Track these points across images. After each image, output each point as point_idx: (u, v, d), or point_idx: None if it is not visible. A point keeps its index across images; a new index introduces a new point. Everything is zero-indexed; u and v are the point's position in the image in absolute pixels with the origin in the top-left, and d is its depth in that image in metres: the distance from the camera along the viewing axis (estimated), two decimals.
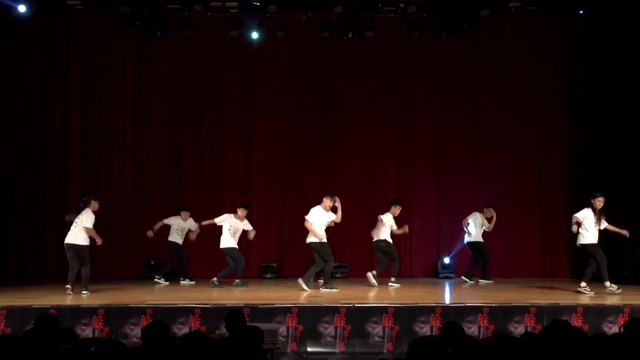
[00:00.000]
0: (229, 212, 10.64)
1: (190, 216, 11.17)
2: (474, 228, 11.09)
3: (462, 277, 11.15)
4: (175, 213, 11.14)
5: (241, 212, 10.55)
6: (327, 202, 9.70)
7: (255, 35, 11.81)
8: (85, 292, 9.03)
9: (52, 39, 12.08)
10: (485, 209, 11.24)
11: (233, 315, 5.04)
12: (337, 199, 9.71)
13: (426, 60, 12.47)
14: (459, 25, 11.69)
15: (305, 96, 12.48)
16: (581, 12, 11.24)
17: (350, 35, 11.75)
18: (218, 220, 10.52)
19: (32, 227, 11.74)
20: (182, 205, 11.38)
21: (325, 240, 9.74)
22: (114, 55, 12.26)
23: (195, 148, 12.45)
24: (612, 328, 7.59)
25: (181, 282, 10.96)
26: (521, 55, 12.50)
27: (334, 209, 9.77)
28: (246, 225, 10.62)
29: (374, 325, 7.62)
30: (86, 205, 9.27)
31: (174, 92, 12.40)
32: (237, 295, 9.23)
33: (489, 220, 11.18)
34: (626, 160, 11.09)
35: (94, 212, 9.26)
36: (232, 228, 10.48)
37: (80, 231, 9.13)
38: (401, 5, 11.35)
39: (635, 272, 10.79)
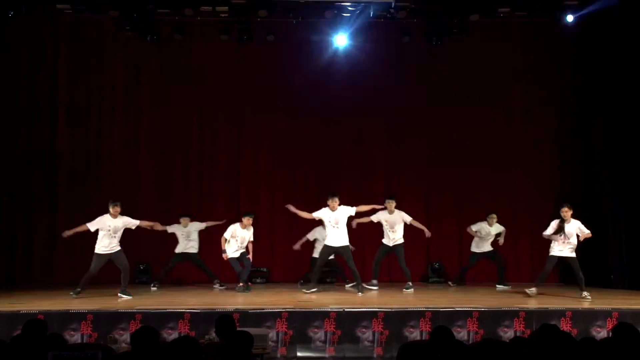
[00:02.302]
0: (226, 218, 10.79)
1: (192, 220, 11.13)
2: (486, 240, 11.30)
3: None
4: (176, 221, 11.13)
5: (246, 220, 10.42)
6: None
7: (244, 39, 11.81)
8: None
9: (41, 43, 12.02)
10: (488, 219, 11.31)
11: (223, 320, 5.03)
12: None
13: (416, 63, 12.51)
14: (449, 31, 11.75)
15: (296, 99, 12.48)
16: (568, 18, 11.27)
17: (340, 40, 11.79)
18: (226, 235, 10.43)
19: (21, 233, 11.68)
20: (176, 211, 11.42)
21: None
22: (103, 60, 12.21)
23: (185, 152, 12.41)
24: (601, 332, 7.65)
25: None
26: (511, 59, 12.56)
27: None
28: (250, 235, 10.52)
29: (363, 329, 7.63)
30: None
31: (164, 96, 12.36)
32: (226, 300, 9.21)
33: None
34: (613, 166, 11.17)
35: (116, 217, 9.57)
36: (239, 238, 10.42)
37: None
38: (391, 10, 11.37)
39: (622, 276, 10.86)
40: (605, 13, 10.90)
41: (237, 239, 10.37)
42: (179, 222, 11.03)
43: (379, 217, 10.44)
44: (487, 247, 11.26)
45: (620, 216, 10.98)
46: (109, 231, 9.36)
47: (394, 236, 10.40)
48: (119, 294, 9.35)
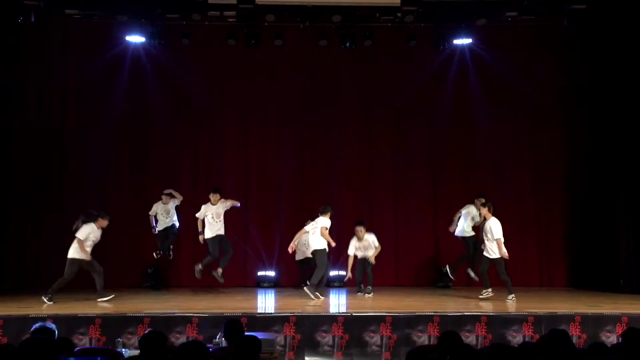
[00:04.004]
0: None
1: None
2: (464, 221, 11.11)
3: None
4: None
5: (213, 197, 10.60)
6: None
7: (252, 43, 11.85)
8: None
9: (50, 48, 12.09)
10: (476, 200, 11.12)
11: (231, 324, 5.04)
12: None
13: (423, 67, 12.47)
14: (456, 35, 11.75)
15: (303, 104, 12.50)
16: (567, 22, 11.23)
17: (347, 44, 11.80)
18: (199, 215, 10.61)
19: (31, 236, 11.71)
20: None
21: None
22: (112, 65, 12.25)
23: (193, 156, 12.46)
24: (610, 337, 7.61)
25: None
26: (518, 63, 12.51)
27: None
28: (224, 206, 10.60)
29: (371, 334, 7.62)
30: (89, 220, 9.44)
31: (172, 101, 12.39)
32: (234, 305, 9.21)
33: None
34: (621, 167, 11.11)
35: (102, 229, 9.62)
36: (213, 215, 10.54)
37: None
38: (398, 14, 11.37)
39: (631, 281, 10.79)
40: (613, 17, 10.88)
41: (213, 215, 10.55)
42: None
43: (352, 248, 10.51)
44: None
45: (629, 221, 10.92)
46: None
47: (365, 253, 10.57)
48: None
